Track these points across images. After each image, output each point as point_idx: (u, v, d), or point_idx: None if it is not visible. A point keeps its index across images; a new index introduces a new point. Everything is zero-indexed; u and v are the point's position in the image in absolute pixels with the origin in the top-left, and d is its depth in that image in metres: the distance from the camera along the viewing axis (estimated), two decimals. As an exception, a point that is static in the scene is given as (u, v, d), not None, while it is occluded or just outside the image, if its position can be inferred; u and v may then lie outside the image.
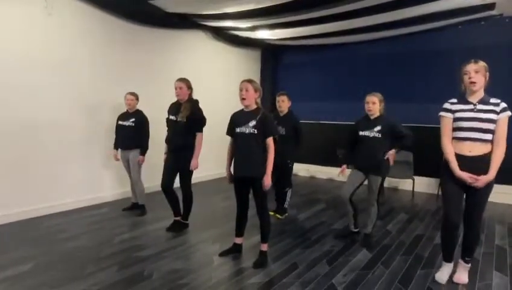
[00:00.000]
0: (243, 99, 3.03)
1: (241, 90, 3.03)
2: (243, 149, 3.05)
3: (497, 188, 5.29)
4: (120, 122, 4.61)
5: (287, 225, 4.29)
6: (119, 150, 4.64)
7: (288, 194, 4.61)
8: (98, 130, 5.01)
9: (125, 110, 4.66)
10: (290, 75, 8.09)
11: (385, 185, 6.29)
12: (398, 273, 3.02)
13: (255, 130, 2.98)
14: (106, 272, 2.94)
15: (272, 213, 4.39)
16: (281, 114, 4.43)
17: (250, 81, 3.04)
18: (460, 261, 2.87)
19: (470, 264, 2.86)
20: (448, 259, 2.89)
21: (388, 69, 6.64)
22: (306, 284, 2.80)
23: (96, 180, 5.04)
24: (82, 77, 4.76)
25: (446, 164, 2.70)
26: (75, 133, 4.74)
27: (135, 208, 4.70)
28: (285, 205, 4.61)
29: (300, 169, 7.75)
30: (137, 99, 4.64)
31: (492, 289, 2.78)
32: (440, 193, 6.00)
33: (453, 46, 5.93)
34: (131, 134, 4.49)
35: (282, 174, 4.45)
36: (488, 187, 2.64)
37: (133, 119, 4.53)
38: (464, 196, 2.73)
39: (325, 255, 3.38)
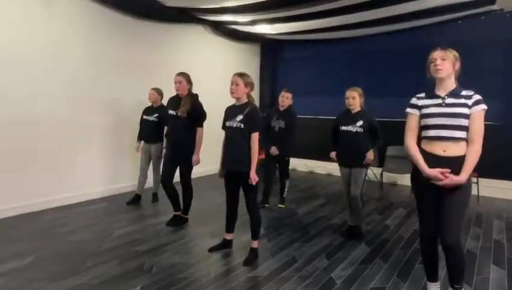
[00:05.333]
0: (232, 92, 3.04)
1: (231, 84, 3.04)
2: (231, 143, 3.06)
3: (495, 183, 5.41)
4: (144, 117, 4.77)
5: (286, 220, 4.31)
6: (142, 142, 4.78)
7: (287, 184, 4.79)
8: (97, 125, 5.00)
9: (150, 105, 4.80)
10: (290, 70, 8.06)
11: (384, 180, 6.31)
12: (397, 267, 3.05)
13: (242, 125, 2.98)
14: (106, 266, 2.95)
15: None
16: (282, 108, 4.60)
17: (240, 75, 3.04)
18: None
19: None
20: (432, 278, 2.49)
21: (388, 64, 6.62)
22: (305, 278, 2.82)
23: (97, 175, 5.04)
24: (79, 71, 4.73)
25: (415, 168, 2.35)
26: (75, 128, 4.73)
27: (138, 199, 4.80)
28: (284, 195, 4.80)
29: (299, 164, 7.77)
30: (159, 94, 4.77)
31: (490, 283, 2.80)
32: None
33: (453, 41, 5.87)
34: (154, 128, 4.61)
35: (280, 165, 4.71)
36: (462, 196, 2.21)
37: (156, 114, 4.67)
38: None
39: (324, 250, 3.40)
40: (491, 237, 3.83)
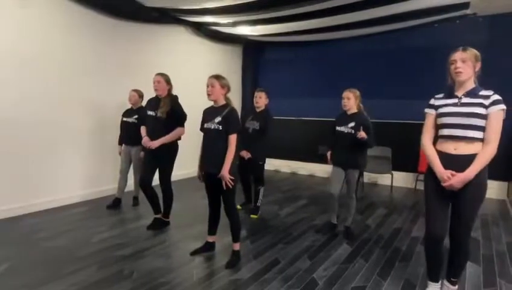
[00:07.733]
0: (208, 95, 3.04)
1: (207, 86, 3.03)
2: (209, 145, 3.05)
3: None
4: (124, 119, 4.71)
5: (268, 221, 4.32)
6: (123, 145, 4.71)
7: (261, 192, 4.54)
8: (77, 127, 4.89)
9: (130, 107, 4.73)
10: (272, 72, 8.11)
11: (365, 180, 6.41)
12: (377, 266, 3.10)
13: (220, 126, 2.98)
14: (85, 271, 2.89)
15: (238, 207, 4.38)
16: (258, 110, 4.47)
17: (216, 77, 3.03)
18: (445, 282, 2.52)
19: (456, 286, 2.51)
20: (433, 278, 2.51)
21: (368, 66, 6.73)
22: (287, 279, 2.83)
23: (75, 178, 4.92)
24: (59, 72, 4.61)
25: (429, 168, 2.39)
26: (55, 130, 4.60)
27: (118, 203, 4.73)
28: (258, 204, 4.53)
29: (283, 165, 7.81)
30: (140, 96, 4.70)
31: (466, 279, 2.88)
32: (416, 186, 6.17)
33: (431, 44, 6.09)
34: (134, 130, 4.48)
35: (253, 171, 4.49)
36: (476, 193, 2.24)
37: (136, 116, 4.59)
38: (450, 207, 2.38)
39: (306, 250, 3.43)
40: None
